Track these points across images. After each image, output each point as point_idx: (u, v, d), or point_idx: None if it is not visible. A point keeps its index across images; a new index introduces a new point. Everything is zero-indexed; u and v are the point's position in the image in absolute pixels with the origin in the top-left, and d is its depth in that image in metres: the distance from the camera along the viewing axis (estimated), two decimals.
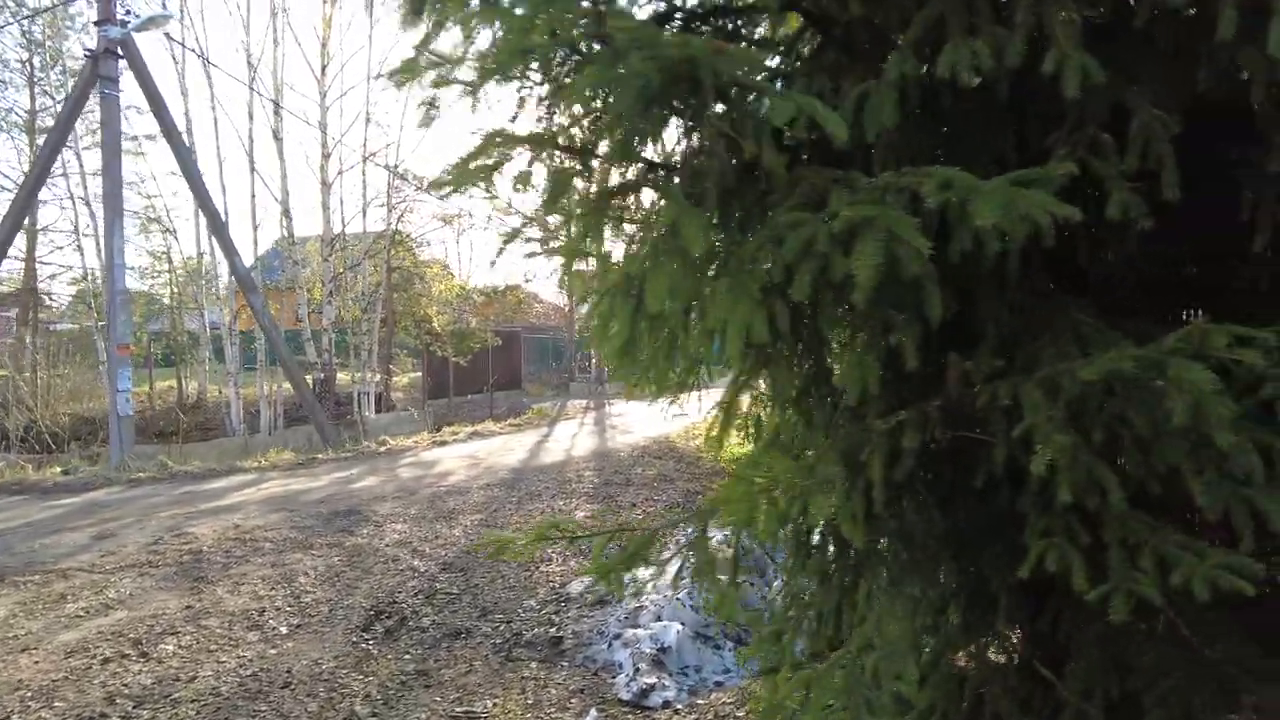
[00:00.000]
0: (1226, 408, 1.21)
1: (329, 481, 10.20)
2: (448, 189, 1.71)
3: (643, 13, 1.90)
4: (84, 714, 3.82)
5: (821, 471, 1.48)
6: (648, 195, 1.57)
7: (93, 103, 12.77)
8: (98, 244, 15.58)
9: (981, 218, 1.12)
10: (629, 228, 1.76)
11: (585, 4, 1.42)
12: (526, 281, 26.43)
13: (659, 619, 4.68)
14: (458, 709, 3.86)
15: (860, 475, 1.49)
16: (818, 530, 1.84)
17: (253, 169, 16.79)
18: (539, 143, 1.42)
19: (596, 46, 1.39)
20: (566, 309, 27.52)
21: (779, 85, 2.01)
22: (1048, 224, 1.17)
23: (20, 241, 18.50)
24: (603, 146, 1.43)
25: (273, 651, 4.64)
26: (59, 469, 11.56)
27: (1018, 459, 1.62)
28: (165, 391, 20.53)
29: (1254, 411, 1.56)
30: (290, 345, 17.42)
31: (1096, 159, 1.40)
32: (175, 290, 20.30)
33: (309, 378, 17.21)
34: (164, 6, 12.52)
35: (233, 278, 15.25)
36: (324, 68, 17.85)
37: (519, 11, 1.46)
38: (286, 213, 17.59)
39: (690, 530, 2.19)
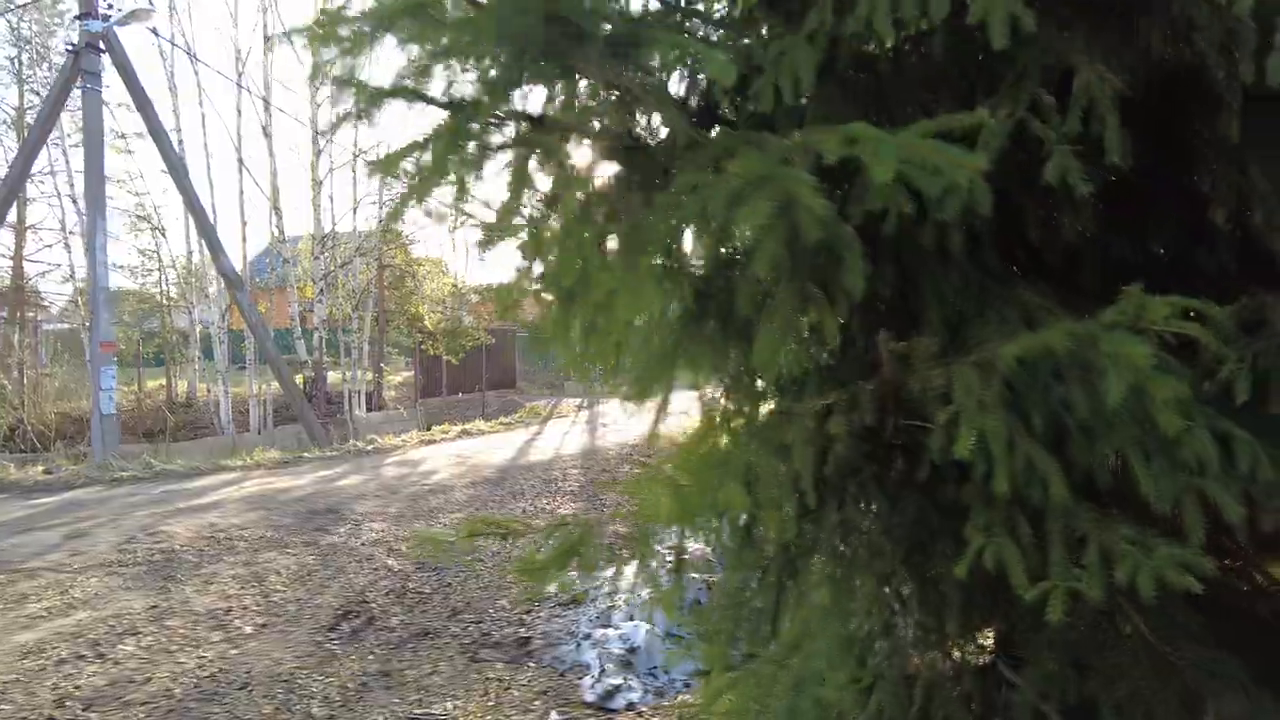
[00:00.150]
0: (1170, 387, 1.09)
1: (312, 480, 10.09)
2: (378, 172, 1.61)
3: None
4: (31, 717, 3.70)
5: (737, 460, 1.37)
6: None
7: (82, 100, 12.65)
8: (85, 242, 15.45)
9: (878, 172, 1.00)
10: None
11: None
12: None
13: (632, 618, 4.58)
14: (416, 711, 3.74)
15: (786, 465, 1.38)
16: (743, 524, 1.73)
17: (241, 165, 16.67)
18: (404, 94, 1.30)
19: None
20: None
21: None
22: (965, 180, 1.05)
23: (8, 239, 18.40)
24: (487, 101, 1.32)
25: (234, 652, 4.53)
26: (41, 468, 11.43)
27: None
28: (156, 390, 20.40)
29: (1213, 395, 1.45)
30: (281, 344, 17.31)
31: (1036, 119, 1.29)
32: (165, 289, 20.15)
33: (300, 377, 17.11)
34: (149, 1, 12.35)
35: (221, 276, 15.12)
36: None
37: None
38: (276, 209, 17.46)
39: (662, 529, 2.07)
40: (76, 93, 12.07)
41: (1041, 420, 1.35)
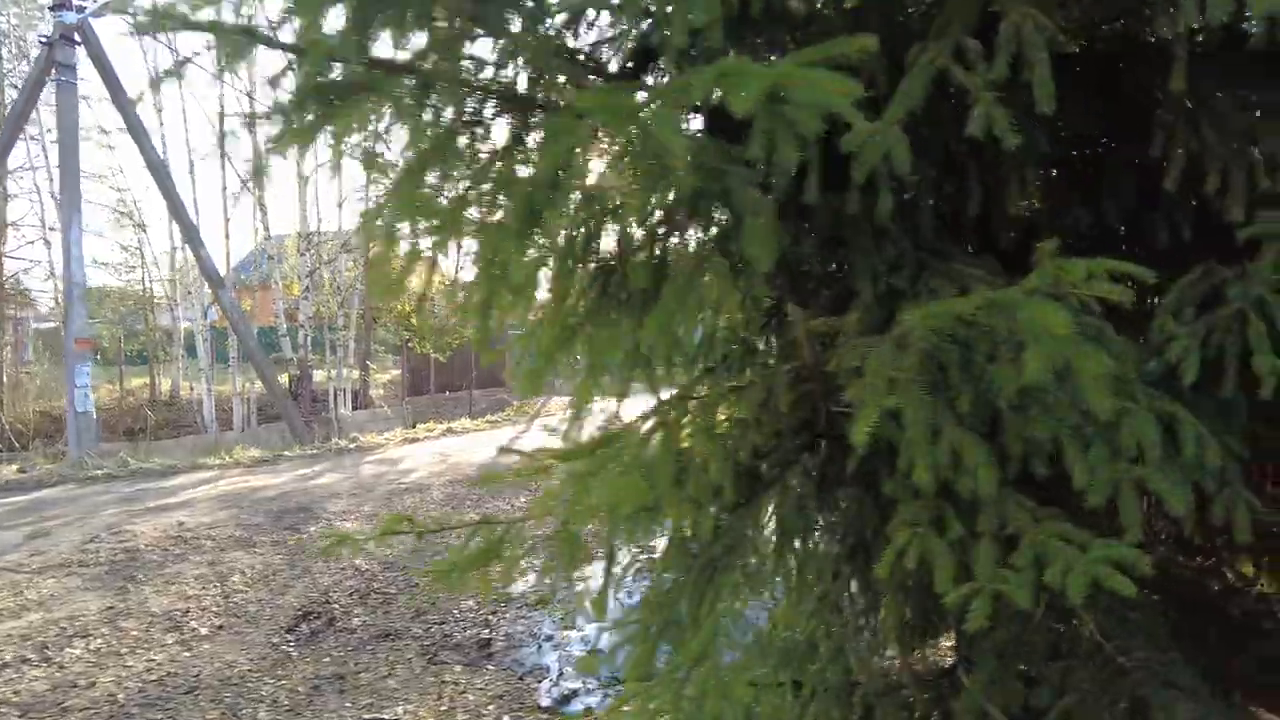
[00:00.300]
0: (1099, 362, 0.96)
1: (288, 479, 9.92)
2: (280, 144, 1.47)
3: None
4: None
5: (632, 453, 1.24)
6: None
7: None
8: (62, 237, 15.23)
9: (737, 102, 0.87)
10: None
11: None
12: None
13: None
14: (366, 716, 3.61)
15: (683, 458, 1.25)
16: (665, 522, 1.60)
17: (224, 157, 16.46)
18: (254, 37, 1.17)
19: None
20: None
21: None
22: (839, 106, 0.90)
23: None
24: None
25: (186, 655, 4.38)
26: (15, 466, 11.24)
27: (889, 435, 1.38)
28: (139, 389, 20.18)
29: (1159, 375, 1.32)
30: (266, 341, 17.10)
31: (960, 68, 1.16)
32: (147, 286, 19.91)
33: (285, 375, 16.91)
34: None
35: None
36: None
37: None
38: (261, 205, 17.27)
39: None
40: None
41: (971, 404, 1.22)
